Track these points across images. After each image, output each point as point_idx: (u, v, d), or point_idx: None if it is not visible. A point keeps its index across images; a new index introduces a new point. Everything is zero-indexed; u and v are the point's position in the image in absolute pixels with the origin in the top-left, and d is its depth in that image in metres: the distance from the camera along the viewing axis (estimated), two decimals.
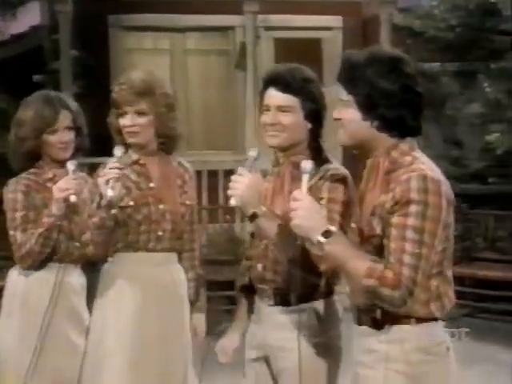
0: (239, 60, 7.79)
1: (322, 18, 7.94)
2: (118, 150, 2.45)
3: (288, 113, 2.25)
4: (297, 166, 2.13)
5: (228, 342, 2.45)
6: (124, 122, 2.51)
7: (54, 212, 2.57)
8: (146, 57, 7.82)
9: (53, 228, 2.59)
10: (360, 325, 1.97)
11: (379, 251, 1.87)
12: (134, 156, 2.56)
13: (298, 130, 2.27)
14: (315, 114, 2.27)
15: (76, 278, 2.73)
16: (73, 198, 2.52)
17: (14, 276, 2.70)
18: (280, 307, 2.29)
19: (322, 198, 2.18)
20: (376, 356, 1.92)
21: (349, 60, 1.95)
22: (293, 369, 2.19)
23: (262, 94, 2.30)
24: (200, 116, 7.97)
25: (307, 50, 8.03)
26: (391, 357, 1.90)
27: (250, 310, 2.42)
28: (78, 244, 2.65)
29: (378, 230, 1.89)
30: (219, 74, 7.99)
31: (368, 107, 1.89)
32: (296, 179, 2.13)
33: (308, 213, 1.85)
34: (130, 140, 2.54)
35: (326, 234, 1.83)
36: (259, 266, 2.32)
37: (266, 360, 2.34)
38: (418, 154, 1.93)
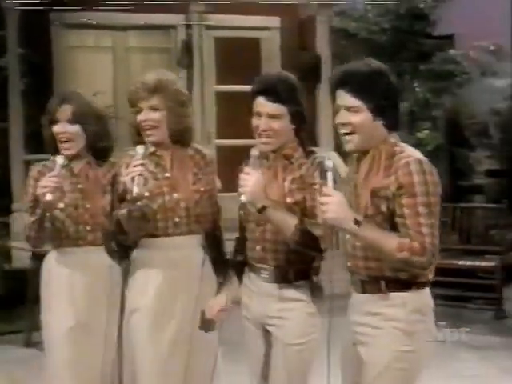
0: (180, 58, 8.00)
1: (261, 18, 8.20)
2: (140, 148, 2.67)
3: (277, 119, 2.56)
4: (287, 157, 2.57)
5: (216, 301, 2.76)
6: (140, 117, 2.73)
7: (41, 205, 2.76)
8: (89, 54, 7.92)
9: (43, 217, 2.79)
10: (363, 293, 2.36)
11: (382, 227, 2.26)
12: (152, 148, 2.76)
13: (286, 133, 2.60)
14: (300, 117, 2.60)
15: (94, 259, 2.90)
16: (48, 197, 2.70)
17: (45, 261, 2.98)
18: (278, 283, 2.61)
19: (314, 184, 2.52)
20: (381, 317, 2.31)
21: (353, 72, 2.32)
22: (290, 335, 2.57)
23: (252, 99, 2.60)
24: None
25: (246, 49, 8.31)
26: (394, 317, 2.30)
27: (240, 284, 2.76)
28: (88, 228, 2.87)
29: (384, 209, 2.27)
30: None
31: (379, 110, 2.28)
32: (287, 168, 2.58)
33: (339, 206, 2.21)
34: (148, 139, 2.74)
35: (356, 222, 2.19)
36: (258, 248, 2.64)
37: (264, 330, 2.67)
38: (401, 143, 2.33)
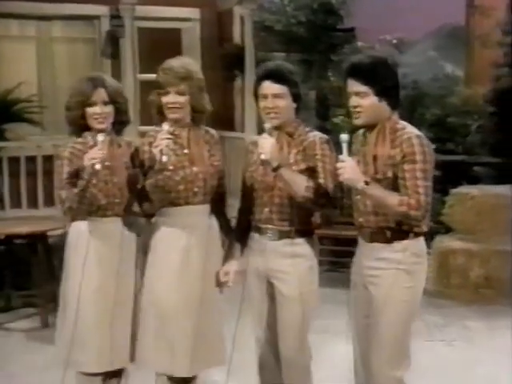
0: (104, 48, 8.20)
1: (182, 9, 8.52)
2: (165, 125, 3.07)
3: (282, 98, 3.03)
4: (290, 134, 3.07)
5: (229, 266, 3.21)
6: (167, 99, 3.14)
7: (84, 176, 3.08)
8: (12, 44, 7.96)
9: (85, 189, 3.10)
10: (371, 242, 2.90)
11: (387, 189, 2.78)
12: (170, 128, 3.12)
13: (289, 111, 3.07)
14: (298, 97, 3.07)
15: (120, 228, 3.26)
16: (97, 166, 3.02)
17: (71, 229, 3.27)
18: (282, 241, 3.10)
19: (316, 155, 3.02)
20: (387, 261, 2.87)
21: (359, 64, 2.83)
22: (294, 287, 3.07)
23: (256, 85, 3.08)
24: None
25: (168, 40, 8.62)
26: (397, 260, 2.86)
27: (242, 247, 3.23)
28: (117, 200, 3.23)
29: (389, 174, 2.80)
30: (86, 62, 8.31)
31: (384, 93, 2.79)
32: (290, 144, 3.08)
33: (353, 170, 2.73)
34: (172, 116, 3.15)
35: (366, 182, 2.71)
36: (266, 210, 3.11)
37: (268, 283, 3.14)
38: (401, 121, 2.86)
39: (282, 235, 3.12)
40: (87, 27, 8.28)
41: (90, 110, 3.20)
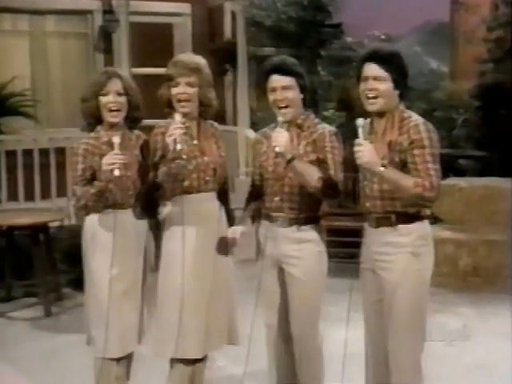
0: (97, 43, 8.28)
1: (173, 4, 8.64)
2: (178, 116, 3.18)
3: (290, 90, 3.18)
4: (299, 126, 3.23)
5: (236, 227, 3.34)
6: (178, 90, 3.26)
7: (103, 179, 3.19)
8: (6, 38, 8.01)
9: (103, 190, 3.22)
10: (377, 227, 3.05)
11: None
12: (182, 119, 3.23)
13: (297, 103, 3.23)
14: (305, 88, 3.23)
15: (135, 221, 3.39)
16: (116, 172, 3.11)
17: (87, 221, 3.38)
18: (292, 227, 3.26)
19: (325, 147, 3.18)
20: (393, 245, 3.02)
21: (385, 50, 3.04)
22: (304, 271, 3.25)
23: (264, 79, 3.22)
24: (60, 95, 8.34)
25: (160, 35, 8.73)
26: (404, 244, 3.00)
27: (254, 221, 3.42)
28: (131, 193, 3.34)
29: (397, 159, 2.95)
30: (78, 56, 8.40)
31: (399, 81, 2.96)
32: (300, 136, 3.24)
33: (371, 153, 2.86)
34: (181, 110, 3.26)
35: (383, 165, 2.86)
36: (276, 199, 3.28)
37: (280, 269, 3.31)
38: (407, 110, 3.02)
39: (292, 222, 3.27)
40: (80, 22, 8.37)
41: (103, 100, 3.30)
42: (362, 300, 3.24)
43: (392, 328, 3.06)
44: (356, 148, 2.89)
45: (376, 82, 2.96)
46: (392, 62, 2.99)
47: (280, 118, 3.14)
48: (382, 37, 9.01)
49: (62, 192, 7.04)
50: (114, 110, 3.31)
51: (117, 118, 3.32)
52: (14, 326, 5.33)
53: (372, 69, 2.98)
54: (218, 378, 4.08)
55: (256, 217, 3.43)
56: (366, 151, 2.87)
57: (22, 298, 5.82)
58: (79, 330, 4.12)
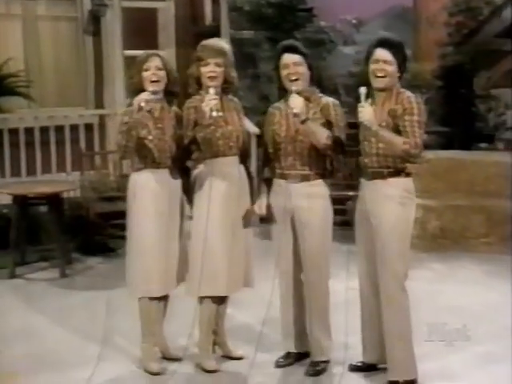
0: (87, 26, 8.73)
1: None
2: (212, 89, 3.80)
3: (300, 65, 3.85)
4: (307, 98, 3.82)
5: (260, 201, 4.03)
6: (207, 69, 3.90)
7: (134, 116, 3.82)
8: (0, 21, 8.40)
9: (131, 127, 3.82)
10: (372, 179, 3.73)
11: None
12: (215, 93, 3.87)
13: (307, 76, 3.88)
14: (311, 66, 3.89)
15: (169, 177, 4.00)
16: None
17: (131, 179, 4.02)
18: (303, 183, 3.91)
19: (330, 114, 3.85)
20: (383, 195, 3.71)
21: (394, 39, 3.71)
22: (314, 220, 3.91)
23: (278, 57, 3.88)
24: (52, 75, 8.76)
25: (145, 18, 9.19)
26: (392, 194, 3.69)
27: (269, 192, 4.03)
28: (168, 154, 3.95)
29: (392, 124, 3.63)
30: (68, 38, 8.81)
31: (399, 66, 3.64)
32: (308, 106, 3.83)
33: (370, 113, 3.55)
34: (210, 83, 3.88)
35: (379, 125, 3.53)
36: (290, 158, 3.91)
37: (292, 220, 3.94)
38: (402, 88, 3.70)
39: (304, 178, 3.93)
40: (70, 6, 8.74)
41: (145, 74, 3.93)
42: (358, 246, 3.93)
43: (383, 263, 3.75)
44: (359, 109, 3.58)
45: (385, 64, 3.66)
46: (398, 49, 3.69)
47: (293, 88, 3.78)
48: (354, 21, 9.64)
49: (61, 168, 7.58)
50: (154, 81, 3.92)
51: (156, 87, 3.92)
52: (34, 285, 5.88)
53: (383, 53, 3.67)
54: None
55: (268, 182, 4.07)
56: (366, 112, 3.58)
57: (35, 263, 6.35)
58: (92, 288, 5.33)
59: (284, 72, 3.89)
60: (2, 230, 6.09)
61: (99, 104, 8.56)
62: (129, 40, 8.62)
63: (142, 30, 9.14)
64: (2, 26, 8.40)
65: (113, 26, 7.98)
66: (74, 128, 7.94)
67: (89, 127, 8.12)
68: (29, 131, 7.57)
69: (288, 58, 3.88)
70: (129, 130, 3.83)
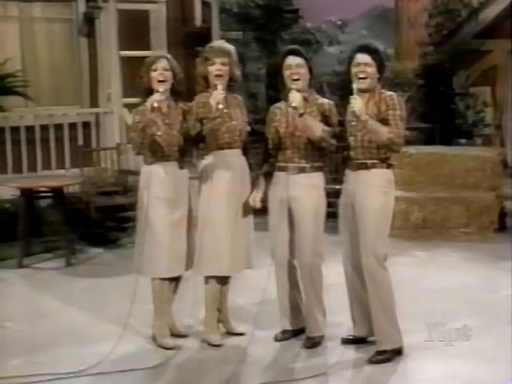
0: (81, 28, 9.03)
1: None
2: (220, 86, 4.17)
3: (302, 67, 4.23)
4: (305, 98, 4.17)
5: (254, 194, 4.37)
6: (215, 68, 4.26)
7: (147, 115, 4.15)
8: None
9: (145, 125, 4.16)
10: (356, 170, 4.12)
11: None
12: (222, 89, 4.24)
13: (306, 78, 4.26)
14: (311, 69, 4.28)
15: (177, 169, 4.37)
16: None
17: (142, 171, 4.37)
18: (300, 174, 4.28)
19: (325, 111, 4.24)
20: (367, 184, 4.09)
21: (373, 45, 4.12)
22: (307, 203, 4.28)
23: (283, 59, 4.26)
24: (47, 75, 9.06)
25: (137, 20, 9.51)
26: (375, 184, 4.09)
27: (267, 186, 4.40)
28: (176, 148, 4.31)
29: (376, 119, 4.01)
30: (63, 40, 9.11)
31: (379, 68, 4.03)
32: (306, 105, 4.17)
33: (361, 105, 3.93)
34: (217, 81, 4.23)
35: (368, 116, 3.92)
36: (289, 152, 4.29)
37: (288, 208, 4.30)
38: (382, 89, 4.11)
39: (301, 170, 4.31)
40: (65, 8, 9.04)
41: (153, 74, 4.29)
42: (340, 231, 4.31)
43: (365, 244, 4.11)
44: (352, 101, 3.98)
45: (366, 66, 4.06)
46: (377, 53, 4.12)
47: (293, 86, 4.17)
48: (338, 22, 10.02)
49: (60, 164, 7.90)
50: (161, 81, 4.27)
51: (163, 86, 4.26)
52: (42, 273, 6.22)
53: (363, 57, 4.08)
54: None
55: (267, 176, 4.43)
56: (358, 102, 3.97)
57: (40, 254, 6.68)
58: (96, 276, 5.75)
59: (287, 72, 4.27)
60: (7, 223, 6.41)
61: (94, 103, 8.90)
62: (122, 41, 8.94)
63: (134, 31, 9.49)
64: (0, 28, 8.69)
65: (108, 27, 8.25)
66: (72, 126, 8.26)
67: (86, 125, 8.44)
68: (29, 129, 7.88)
69: (291, 60, 4.26)
70: (143, 129, 4.18)
